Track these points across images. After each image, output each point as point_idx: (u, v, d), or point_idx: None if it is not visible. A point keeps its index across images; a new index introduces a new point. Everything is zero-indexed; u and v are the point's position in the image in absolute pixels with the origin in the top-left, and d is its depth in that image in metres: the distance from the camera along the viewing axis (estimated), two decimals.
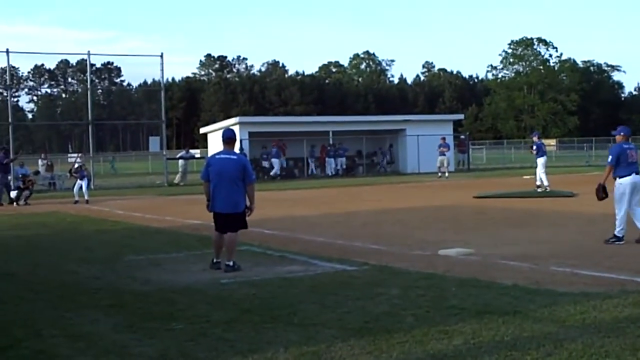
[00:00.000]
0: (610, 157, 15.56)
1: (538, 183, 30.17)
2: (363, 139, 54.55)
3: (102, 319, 9.57)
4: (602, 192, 15.86)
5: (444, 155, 46.02)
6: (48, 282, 12.31)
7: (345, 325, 8.65)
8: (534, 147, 31.22)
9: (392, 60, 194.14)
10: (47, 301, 10.75)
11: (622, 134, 15.87)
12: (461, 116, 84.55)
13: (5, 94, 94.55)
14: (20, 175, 36.04)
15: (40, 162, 48.50)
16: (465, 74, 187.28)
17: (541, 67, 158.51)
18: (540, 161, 30.30)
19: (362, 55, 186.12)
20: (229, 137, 13.70)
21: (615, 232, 15.27)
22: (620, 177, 15.42)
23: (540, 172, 30.14)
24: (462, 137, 63.88)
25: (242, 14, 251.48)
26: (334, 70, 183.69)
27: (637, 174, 15.38)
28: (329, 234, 18.09)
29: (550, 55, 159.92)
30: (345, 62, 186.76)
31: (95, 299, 10.82)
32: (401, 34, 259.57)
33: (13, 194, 33.80)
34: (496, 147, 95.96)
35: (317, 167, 54.03)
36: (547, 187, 29.66)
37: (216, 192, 13.28)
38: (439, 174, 45.50)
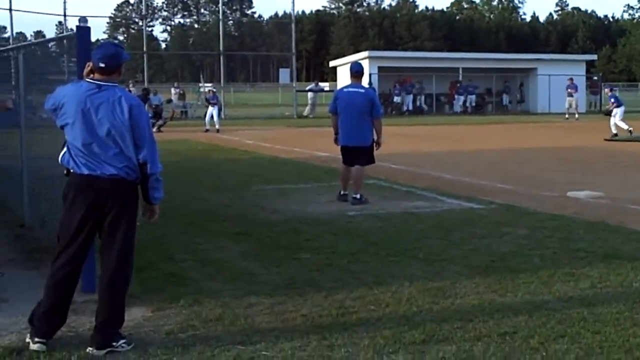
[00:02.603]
0: None
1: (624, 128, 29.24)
2: (493, 76, 53.77)
3: (230, 246, 9.79)
4: None
5: (572, 96, 44.92)
6: (179, 208, 12.61)
7: (470, 263, 8.64)
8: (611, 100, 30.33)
9: None
10: (178, 226, 11.04)
11: None
12: (594, 57, 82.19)
13: (140, 23, 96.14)
14: (153, 105, 36.93)
15: (172, 90, 49.50)
16: (600, 14, 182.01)
17: None
18: (619, 111, 29.34)
19: None
20: (357, 71, 13.69)
21: None
22: None
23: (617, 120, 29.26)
24: (595, 78, 62.15)
25: None
26: (465, 6, 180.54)
27: None
28: (456, 171, 17.99)
29: None
30: None
31: (224, 226, 11.07)
32: None
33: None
34: (629, 90, 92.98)
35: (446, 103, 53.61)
36: (631, 130, 28.88)
37: (343, 125, 13.33)
38: (567, 115, 44.51)
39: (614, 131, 29.02)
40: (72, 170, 5.90)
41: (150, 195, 5.98)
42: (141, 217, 6.08)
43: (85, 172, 5.82)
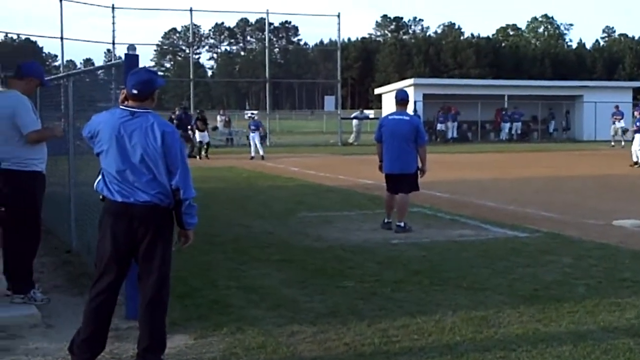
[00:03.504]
0: None
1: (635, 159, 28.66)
2: (539, 104, 53.50)
3: (273, 273, 9.82)
4: None
5: (617, 123, 44.46)
6: (223, 235, 12.70)
7: (514, 292, 8.59)
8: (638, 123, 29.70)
9: (571, 25, 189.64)
10: (222, 253, 11.11)
11: None
12: None
13: (187, 51, 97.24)
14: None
15: (218, 117, 49.84)
16: None
17: None
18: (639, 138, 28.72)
19: (540, 19, 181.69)
20: (402, 98, 13.74)
21: None
22: None
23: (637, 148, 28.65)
24: None
25: None
26: (511, 33, 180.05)
27: None
28: (501, 199, 17.90)
29: None
30: (522, 25, 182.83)
31: (267, 253, 11.09)
32: None
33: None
34: None
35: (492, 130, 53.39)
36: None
37: (388, 152, 13.36)
38: (612, 143, 44.08)
39: (634, 158, 28.55)
40: (106, 197, 5.97)
41: (183, 220, 5.99)
42: (176, 242, 6.11)
43: (119, 199, 5.87)
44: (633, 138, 29.30)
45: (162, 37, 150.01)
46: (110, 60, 42.19)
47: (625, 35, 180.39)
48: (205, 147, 35.35)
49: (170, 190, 5.88)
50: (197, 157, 33.97)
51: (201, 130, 35.54)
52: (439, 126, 50.97)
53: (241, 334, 6.99)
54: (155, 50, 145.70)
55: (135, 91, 5.92)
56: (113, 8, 45.47)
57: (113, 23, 45.47)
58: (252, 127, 35.27)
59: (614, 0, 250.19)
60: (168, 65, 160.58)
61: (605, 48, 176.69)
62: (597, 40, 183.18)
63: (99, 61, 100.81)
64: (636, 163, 28.41)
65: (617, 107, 45.37)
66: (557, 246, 11.61)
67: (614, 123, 44.37)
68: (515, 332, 7.03)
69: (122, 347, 6.58)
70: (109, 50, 54.61)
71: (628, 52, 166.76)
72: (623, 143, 43.38)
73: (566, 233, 12.80)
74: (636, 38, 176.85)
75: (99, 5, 46.23)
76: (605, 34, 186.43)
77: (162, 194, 5.87)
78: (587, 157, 35.32)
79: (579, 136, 53.75)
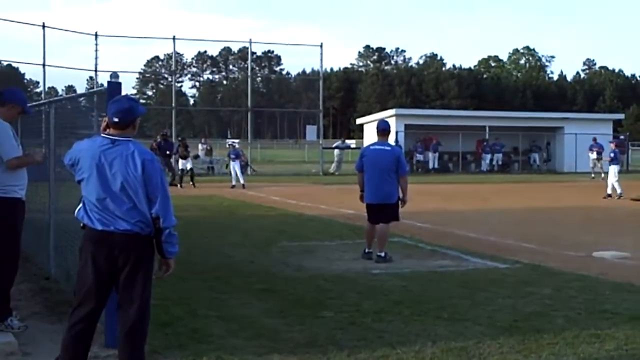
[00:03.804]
0: None
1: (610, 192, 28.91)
2: (520, 135, 53.76)
3: (254, 302, 9.79)
4: None
5: (597, 155, 44.77)
6: (204, 264, 12.67)
7: (494, 323, 8.59)
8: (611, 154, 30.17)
9: (552, 57, 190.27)
10: (203, 282, 11.07)
11: None
12: (621, 116, 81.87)
13: (170, 79, 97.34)
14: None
15: (200, 146, 49.84)
16: (628, 73, 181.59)
17: None
18: (613, 169, 29.10)
19: (522, 51, 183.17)
20: (383, 129, 13.79)
21: None
22: None
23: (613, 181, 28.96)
24: (622, 137, 61.93)
25: (402, 6, 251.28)
26: (492, 64, 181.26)
27: None
28: (482, 230, 17.94)
29: None
30: (504, 57, 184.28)
31: (248, 283, 11.06)
32: (563, 30, 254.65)
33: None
34: None
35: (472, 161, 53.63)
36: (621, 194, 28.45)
37: (369, 182, 13.39)
38: (593, 175, 44.30)
39: (609, 191, 28.76)
40: (86, 225, 5.95)
41: (164, 249, 5.96)
42: (157, 271, 6.08)
43: (99, 227, 5.85)
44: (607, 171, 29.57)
45: (144, 65, 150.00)
46: (93, 88, 42.19)
47: (605, 68, 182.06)
48: (188, 174, 35.09)
49: (150, 218, 5.85)
50: (179, 185, 33.84)
51: (183, 158, 35.47)
52: (418, 156, 51.13)
53: None
54: (137, 78, 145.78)
55: (116, 119, 5.91)
56: (96, 36, 45.51)
57: (96, 50, 45.51)
58: (232, 156, 35.21)
59: (594, 33, 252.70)
60: (150, 93, 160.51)
61: (586, 80, 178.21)
62: (577, 73, 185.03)
63: (81, 88, 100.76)
64: (610, 195, 28.56)
65: (594, 139, 45.69)
66: (537, 277, 11.62)
67: (591, 154, 44.68)
68: None
69: None
70: (91, 77, 54.76)
71: (608, 85, 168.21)
72: (602, 175, 43.60)
73: (546, 264, 12.82)
74: (616, 71, 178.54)
75: (81, 33, 46.38)
76: (586, 66, 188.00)
77: (143, 222, 5.84)
78: (567, 189, 35.46)
79: (560, 167, 53.99)
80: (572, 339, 7.86)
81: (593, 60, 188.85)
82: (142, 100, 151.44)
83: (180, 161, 35.52)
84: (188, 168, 35.42)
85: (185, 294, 10.09)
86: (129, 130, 5.98)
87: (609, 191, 28.72)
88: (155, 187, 5.86)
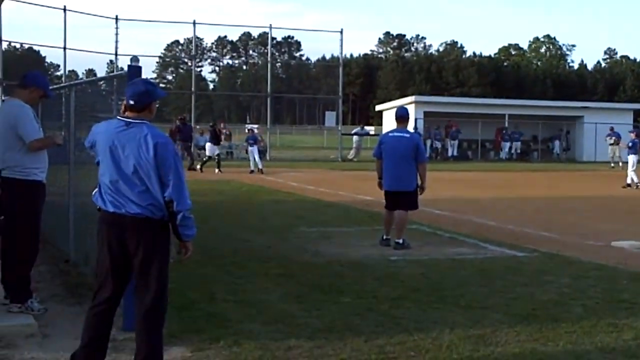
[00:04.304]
0: None
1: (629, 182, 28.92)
2: (539, 124, 53.55)
3: (271, 287, 9.80)
4: None
5: (617, 145, 44.63)
6: (222, 248, 12.69)
7: (512, 311, 8.58)
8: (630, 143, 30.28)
9: (573, 46, 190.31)
10: (221, 267, 11.09)
11: None
12: None
13: (190, 63, 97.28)
14: (200, 146, 37.16)
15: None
16: None
17: None
18: (632, 159, 29.13)
19: (542, 39, 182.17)
20: (401, 115, 13.74)
21: None
22: None
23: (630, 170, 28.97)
24: None
25: None
26: (513, 53, 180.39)
27: None
28: (500, 218, 17.90)
29: None
30: (525, 45, 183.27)
31: (266, 268, 11.08)
32: (584, 19, 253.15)
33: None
34: None
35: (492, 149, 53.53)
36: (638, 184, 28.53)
37: (387, 169, 13.36)
38: (612, 164, 44.15)
39: (628, 181, 28.77)
40: (100, 208, 5.96)
41: (180, 232, 5.93)
42: (175, 255, 6.09)
43: (111, 209, 5.85)
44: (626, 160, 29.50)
45: (164, 49, 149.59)
46: (113, 71, 42.28)
47: (626, 57, 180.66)
48: (216, 160, 34.73)
49: (163, 202, 5.83)
50: (199, 169, 33.85)
51: (216, 144, 35.27)
52: (436, 144, 51.03)
53: (238, 347, 6.97)
54: (157, 62, 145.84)
55: (132, 102, 5.89)
56: (117, 19, 45.60)
57: (116, 34, 45.59)
58: (250, 141, 35.16)
59: (616, 22, 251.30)
60: (170, 77, 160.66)
61: (607, 70, 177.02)
62: (598, 62, 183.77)
63: (101, 72, 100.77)
64: (629, 185, 28.50)
65: (611, 128, 45.53)
66: (555, 266, 11.60)
67: (612, 144, 44.52)
68: (512, 352, 7.02)
69: (118, 358, 6.57)
70: (111, 61, 54.74)
71: (629, 74, 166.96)
72: (621, 164, 43.45)
73: (564, 253, 12.79)
74: (637, 60, 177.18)
75: (102, 16, 46.39)
76: (607, 56, 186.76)
77: (154, 206, 5.81)
78: (586, 178, 35.37)
79: (579, 157, 53.82)
80: (589, 328, 7.84)
81: (614, 49, 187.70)
82: (161, 85, 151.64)
83: (210, 146, 35.30)
84: (215, 153, 35.07)
85: (202, 278, 10.11)
86: (145, 114, 5.95)
87: (628, 181, 28.68)
88: (168, 170, 5.79)
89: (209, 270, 10.69)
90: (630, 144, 30.22)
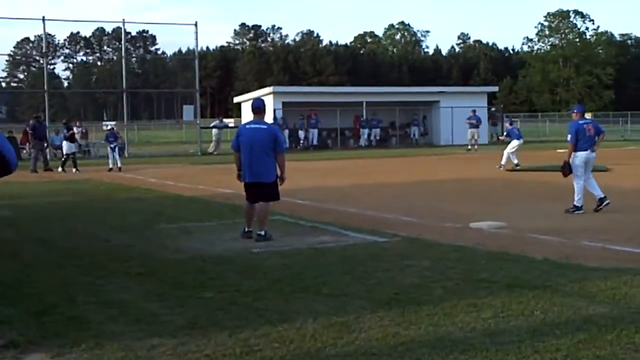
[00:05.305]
0: (570, 135, 16.44)
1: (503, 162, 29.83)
2: (396, 110, 54.43)
3: (133, 286, 9.64)
4: (567, 169, 16.56)
5: (476, 128, 45.84)
6: (81, 249, 12.43)
7: (374, 297, 8.66)
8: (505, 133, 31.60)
9: (427, 31, 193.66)
10: (80, 267, 10.84)
11: (575, 111, 17.01)
12: (495, 88, 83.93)
13: (41, 61, 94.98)
14: (55, 145, 36.29)
15: (75, 129, 48.79)
16: (501, 46, 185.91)
17: (577, 40, 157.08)
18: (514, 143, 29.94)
19: (397, 26, 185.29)
20: (258, 107, 13.64)
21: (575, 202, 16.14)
22: (579, 151, 16.35)
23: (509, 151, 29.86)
24: (494, 109, 63.44)
25: None
26: (368, 40, 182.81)
27: (592, 150, 16.37)
28: (361, 205, 18.09)
29: (587, 28, 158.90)
30: (380, 32, 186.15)
31: (126, 267, 10.88)
32: (437, 5, 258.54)
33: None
34: (530, 121, 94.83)
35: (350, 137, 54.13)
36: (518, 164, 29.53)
37: (246, 161, 13.27)
38: (469, 147, 45.31)
39: (502, 162, 29.56)
40: None
41: None
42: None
43: None
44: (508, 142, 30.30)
45: (14, 47, 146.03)
46: None
47: (479, 42, 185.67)
48: (72, 158, 34.00)
49: None
50: (61, 169, 33.12)
51: (71, 141, 34.57)
52: (300, 133, 51.34)
53: (100, 349, 6.82)
54: (7, 61, 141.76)
55: None
56: None
57: None
58: (111, 139, 34.56)
59: (468, 7, 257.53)
60: (21, 76, 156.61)
61: (461, 54, 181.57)
62: (452, 47, 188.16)
63: None
64: (517, 165, 29.34)
65: (473, 111, 46.61)
66: (415, 250, 11.77)
67: (472, 127, 45.65)
68: (376, 337, 7.07)
69: None
70: None
71: (482, 58, 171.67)
72: (477, 147, 44.64)
73: (424, 236, 13.00)
74: (490, 44, 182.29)
75: None
76: (461, 41, 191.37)
77: None
78: (444, 162, 36.14)
79: (437, 141, 54.98)
80: (450, 309, 7.98)
81: (467, 34, 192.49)
82: (13, 84, 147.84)
83: (66, 144, 34.57)
84: (72, 151, 34.36)
85: (61, 280, 9.87)
86: None
87: (503, 161, 29.41)
88: None
89: (68, 271, 10.45)
90: (505, 133, 31.33)
